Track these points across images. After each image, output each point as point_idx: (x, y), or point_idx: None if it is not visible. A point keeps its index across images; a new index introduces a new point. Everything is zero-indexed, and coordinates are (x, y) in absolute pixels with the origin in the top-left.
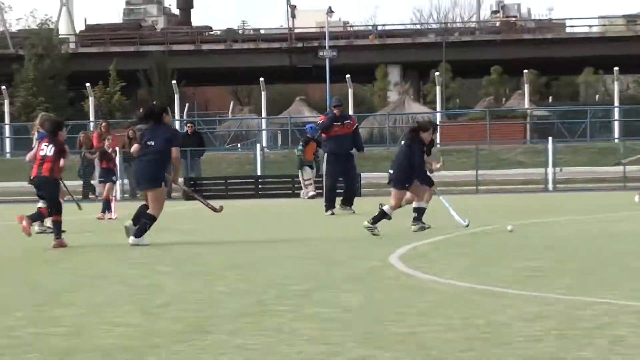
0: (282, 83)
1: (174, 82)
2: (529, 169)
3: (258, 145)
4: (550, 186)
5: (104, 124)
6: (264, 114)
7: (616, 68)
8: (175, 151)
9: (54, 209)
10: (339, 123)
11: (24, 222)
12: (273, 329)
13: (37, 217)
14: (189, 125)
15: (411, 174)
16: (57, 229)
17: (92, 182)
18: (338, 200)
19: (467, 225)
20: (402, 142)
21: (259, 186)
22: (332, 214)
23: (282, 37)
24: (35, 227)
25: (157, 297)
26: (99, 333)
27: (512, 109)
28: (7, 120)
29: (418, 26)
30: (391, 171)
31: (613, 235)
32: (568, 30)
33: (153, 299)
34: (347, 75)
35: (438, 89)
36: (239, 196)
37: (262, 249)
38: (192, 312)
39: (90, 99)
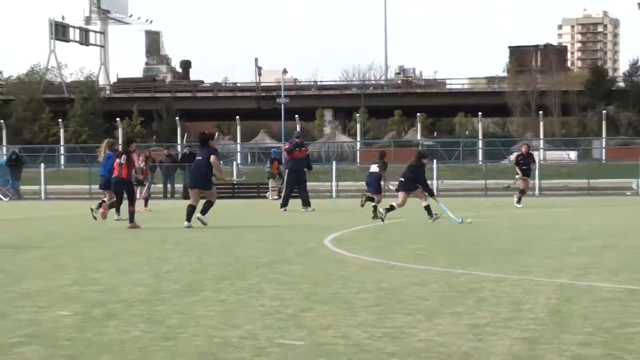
0: (251, 120)
1: (177, 118)
2: None
3: (234, 162)
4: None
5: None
6: (239, 141)
7: (480, 113)
8: (213, 158)
9: (131, 201)
10: (298, 149)
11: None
12: (245, 289)
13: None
14: (186, 148)
15: (414, 184)
16: (131, 216)
17: None
18: (292, 202)
19: (461, 222)
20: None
21: (235, 190)
22: (285, 210)
23: (252, 89)
24: (93, 207)
25: (164, 265)
26: (124, 290)
27: (409, 140)
28: (62, 142)
29: (345, 82)
30: (402, 179)
31: (478, 227)
32: (448, 86)
33: (161, 267)
34: (296, 115)
35: (358, 125)
36: (220, 197)
37: (237, 233)
38: (188, 276)
39: (120, 129)
